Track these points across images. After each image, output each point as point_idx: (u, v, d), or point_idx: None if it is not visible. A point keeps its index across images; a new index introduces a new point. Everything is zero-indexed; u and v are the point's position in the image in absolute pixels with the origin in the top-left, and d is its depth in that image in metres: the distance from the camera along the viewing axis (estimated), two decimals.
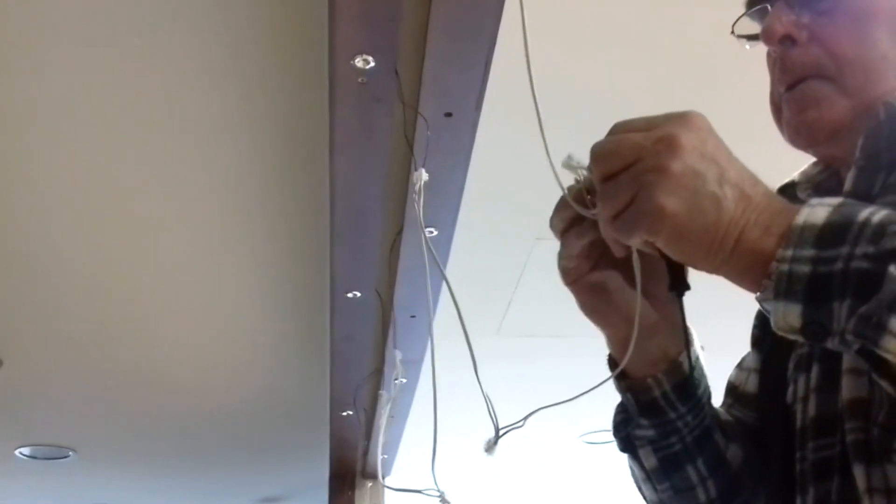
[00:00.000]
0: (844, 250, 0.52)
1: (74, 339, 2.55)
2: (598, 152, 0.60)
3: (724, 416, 0.81)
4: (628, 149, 0.57)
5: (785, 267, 0.54)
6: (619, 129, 0.60)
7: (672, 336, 0.72)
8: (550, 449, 3.63)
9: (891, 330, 0.50)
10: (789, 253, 0.54)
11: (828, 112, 0.72)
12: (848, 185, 0.70)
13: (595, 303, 0.71)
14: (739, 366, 0.86)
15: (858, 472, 0.60)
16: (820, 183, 0.78)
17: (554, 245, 0.72)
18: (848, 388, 0.62)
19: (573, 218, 0.66)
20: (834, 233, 0.53)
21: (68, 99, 1.63)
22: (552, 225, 0.69)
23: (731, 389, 0.85)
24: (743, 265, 0.57)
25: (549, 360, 2.85)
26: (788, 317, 0.54)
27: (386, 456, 2.75)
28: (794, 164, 0.81)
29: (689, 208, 0.55)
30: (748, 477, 0.78)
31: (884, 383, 0.53)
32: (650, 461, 0.76)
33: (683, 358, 0.73)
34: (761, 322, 0.83)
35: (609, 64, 1.69)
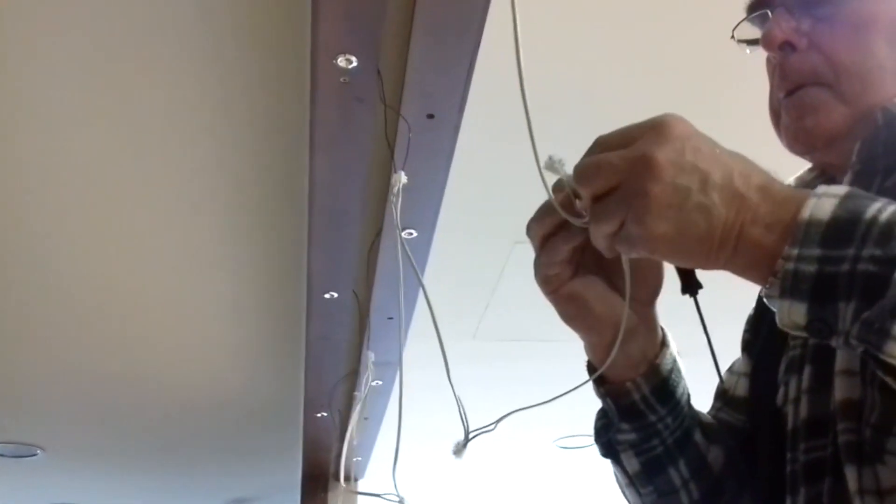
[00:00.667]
0: (851, 251, 0.52)
1: (43, 336, 2.51)
2: (580, 174, 0.59)
3: (706, 418, 0.81)
4: (608, 173, 0.57)
5: (791, 266, 0.54)
6: (598, 147, 0.60)
7: (650, 338, 0.73)
8: (525, 454, 3.64)
9: (894, 335, 0.50)
10: (795, 251, 0.53)
11: (826, 119, 0.72)
12: None
13: (577, 310, 0.70)
14: (730, 370, 0.87)
15: (850, 473, 0.60)
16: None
17: (531, 250, 0.72)
18: (840, 389, 0.62)
19: (558, 223, 0.65)
20: (841, 231, 0.52)
21: (43, 95, 1.61)
22: (531, 231, 0.68)
23: (721, 393, 0.85)
24: (746, 262, 0.57)
25: (526, 365, 2.85)
26: (794, 315, 0.54)
27: (359, 458, 2.74)
28: (790, 162, 0.80)
29: (678, 226, 0.55)
30: (731, 479, 0.78)
31: (890, 382, 0.53)
32: (633, 465, 0.76)
33: (661, 360, 0.73)
34: (752, 326, 0.84)
35: (597, 67, 1.69)
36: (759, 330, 0.81)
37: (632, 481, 0.77)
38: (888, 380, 0.52)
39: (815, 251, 0.53)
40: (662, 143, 0.55)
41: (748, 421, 0.80)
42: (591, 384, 0.76)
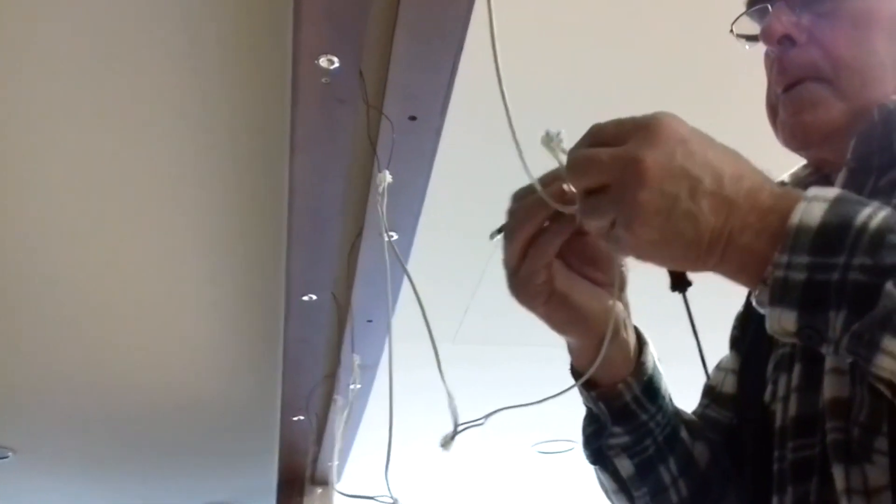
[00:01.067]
0: (841, 259, 0.51)
1: (14, 337, 2.47)
2: (572, 166, 0.59)
3: (687, 415, 0.81)
4: (599, 170, 0.56)
5: (780, 273, 0.53)
6: (592, 137, 0.59)
7: (630, 333, 0.72)
8: (504, 458, 3.64)
9: (883, 348, 0.50)
10: (784, 259, 0.53)
11: (824, 114, 0.71)
12: (838, 186, 0.69)
13: (570, 313, 0.68)
14: (717, 367, 0.86)
15: (837, 472, 0.59)
16: (809, 185, 0.77)
17: None
18: (829, 388, 0.62)
19: (544, 219, 0.63)
20: (830, 237, 0.52)
21: (19, 96, 1.58)
22: (516, 231, 0.64)
23: (709, 390, 0.85)
24: (735, 267, 0.56)
25: (505, 369, 2.85)
26: (784, 322, 0.54)
27: (337, 462, 2.72)
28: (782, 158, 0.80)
29: (664, 233, 0.55)
30: (716, 476, 0.77)
31: (883, 389, 0.53)
32: (626, 469, 0.75)
33: (644, 356, 0.72)
34: (740, 323, 0.83)
35: (578, 66, 1.69)
36: (748, 327, 0.80)
37: (623, 486, 0.76)
38: (881, 388, 0.52)
39: (805, 258, 0.52)
40: (654, 146, 0.55)
41: (735, 417, 0.79)
42: (578, 391, 0.74)
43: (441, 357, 0.84)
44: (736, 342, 0.84)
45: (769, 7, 0.75)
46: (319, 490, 2.68)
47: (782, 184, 0.78)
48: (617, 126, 0.58)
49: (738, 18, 0.80)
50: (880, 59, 0.71)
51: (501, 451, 3.50)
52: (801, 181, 0.78)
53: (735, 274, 0.57)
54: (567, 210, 0.61)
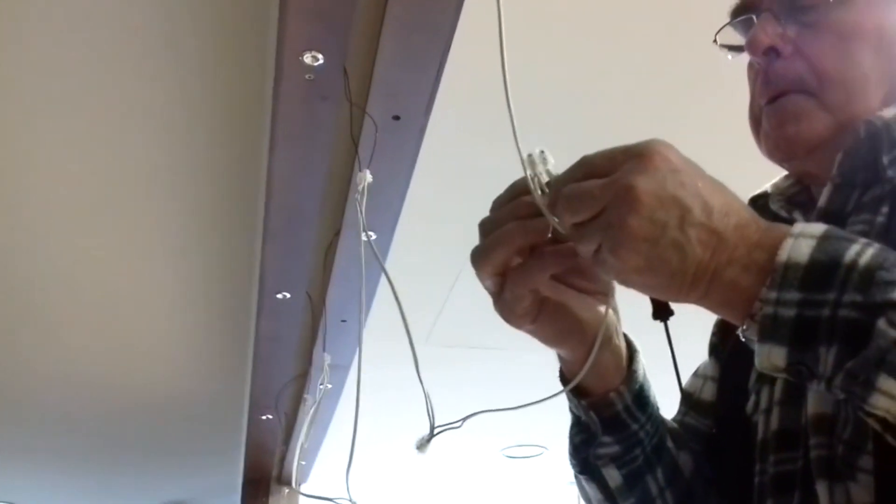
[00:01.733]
0: (832, 296, 0.52)
1: None
2: (563, 204, 0.58)
3: (671, 424, 0.80)
4: (590, 204, 0.56)
5: (770, 310, 0.53)
6: (582, 169, 0.58)
7: (620, 339, 0.71)
8: (472, 462, 3.63)
9: (878, 388, 0.50)
10: (773, 295, 0.53)
11: (808, 127, 0.71)
12: (822, 201, 0.70)
13: (559, 328, 0.67)
14: (695, 373, 0.86)
15: (821, 489, 0.59)
16: (791, 196, 0.77)
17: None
18: (813, 404, 0.62)
19: (523, 245, 0.61)
20: (820, 275, 0.52)
21: None
22: (488, 257, 0.61)
23: (687, 397, 0.84)
24: (720, 300, 0.56)
25: (477, 371, 2.85)
26: (774, 357, 0.54)
27: (304, 462, 2.70)
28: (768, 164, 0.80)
29: (650, 261, 0.54)
30: (700, 486, 0.77)
31: (874, 424, 0.53)
32: (614, 479, 0.74)
33: (635, 364, 0.72)
34: (720, 330, 0.83)
35: (573, 68, 1.69)
36: (728, 334, 0.80)
37: (610, 496, 0.75)
38: (872, 423, 0.53)
39: (795, 295, 0.52)
40: (646, 174, 0.54)
41: (714, 426, 0.79)
42: (569, 401, 0.74)
43: (411, 358, 0.82)
44: (714, 349, 0.84)
45: (754, 18, 0.74)
46: (286, 490, 2.65)
47: (765, 194, 0.79)
48: (606, 157, 0.57)
49: (721, 29, 0.79)
50: (865, 72, 0.71)
51: (469, 454, 3.50)
52: (784, 192, 0.78)
53: (719, 307, 0.57)
54: (561, 232, 0.59)
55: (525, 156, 0.61)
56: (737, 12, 0.78)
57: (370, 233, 1.49)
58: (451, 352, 2.72)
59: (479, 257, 0.63)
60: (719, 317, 0.83)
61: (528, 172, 0.61)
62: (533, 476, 3.67)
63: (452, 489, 4.05)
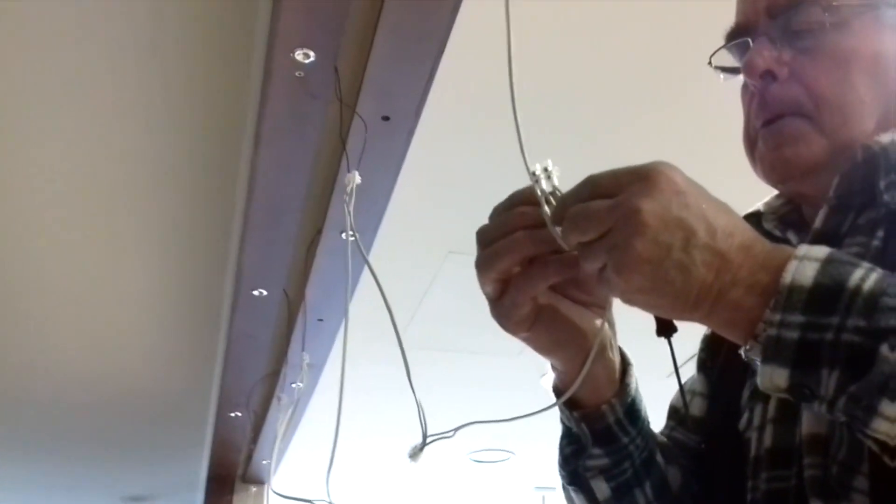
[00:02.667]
0: (835, 320, 0.52)
1: None
2: (569, 225, 0.58)
3: (660, 438, 0.81)
4: (596, 226, 0.57)
5: (773, 331, 0.54)
6: (588, 188, 0.58)
7: (614, 352, 0.71)
8: (439, 465, 3.63)
9: (881, 413, 0.51)
10: (777, 317, 0.54)
11: (805, 150, 0.72)
12: (818, 223, 0.70)
13: (555, 338, 0.68)
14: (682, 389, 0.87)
15: None
16: (784, 216, 0.78)
17: (466, 260, 0.67)
18: (808, 423, 0.62)
19: (529, 255, 0.62)
20: (824, 299, 0.53)
21: None
22: (493, 264, 0.62)
23: (674, 412, 0.85)
24: (724, 320, 0.57)
25: (449, 374, 2.85)
26: (776, 378, 0.54)
27: (267, 461, 2.67)
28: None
29: (655, 282, 0.55)
30: (687, 501, 0.77)
31: (873, 447, 0.53)
32: (603, 492, 0.74)
33: (628, 378, 0.72)
34: (708, 346, 0.84)
35: (573, 73, 1.69)
36: (717, 350, 0.80)
37: None
38: (872, 446, 0.53)
39: (798, 318, 0.53)
40: (651, 196, 0.55)
41: (704, 442, 0.80)
42: (560, 412, 0.74)
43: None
44: (703, 365, 0.84)
45: (750, 42, 0.75)
46: (254, 489, 2.63)
47: (757, 213, 0.79)
48: (612, 178, 0.58)
49: (717, 52, 0.80)
50: (861, 96, 0.71)
51: (436, 458, 3.49)
52: (777, 211, 0.79)
53: (722, 327, 0.57)
54: (561, 242, 0.60)
55: (538, 169, 0.61)
56: (732, 35, 0.78)
57: (351, 233, 1.49)
58: (423, 354, 2.72)
59: (485, 263, 0.63)
60: (707, 333, 0.84)
61: (537, 188, 0.61)
62: (500, 480, 3.68)
63: (419, 492, 4.04)
